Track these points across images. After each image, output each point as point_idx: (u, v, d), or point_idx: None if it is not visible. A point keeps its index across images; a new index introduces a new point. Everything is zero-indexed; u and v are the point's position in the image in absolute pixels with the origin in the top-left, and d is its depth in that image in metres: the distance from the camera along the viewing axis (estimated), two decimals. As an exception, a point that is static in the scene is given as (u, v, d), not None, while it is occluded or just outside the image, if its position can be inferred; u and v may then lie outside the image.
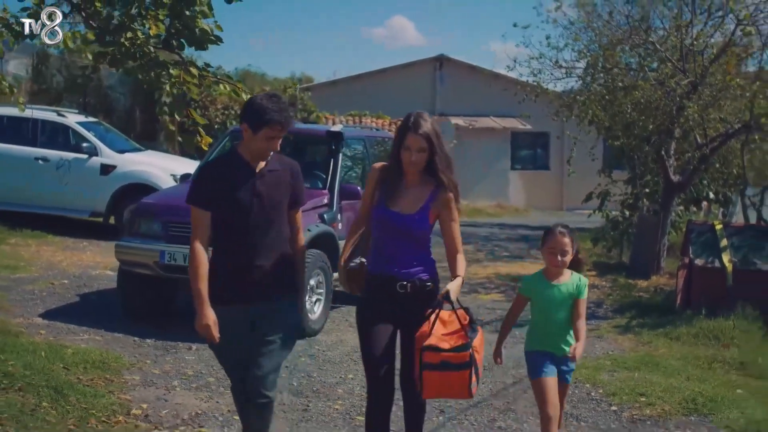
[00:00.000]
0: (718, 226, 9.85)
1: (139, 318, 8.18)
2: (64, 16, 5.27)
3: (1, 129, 13.47)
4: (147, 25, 5.01)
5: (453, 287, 4.20)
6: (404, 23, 77.25)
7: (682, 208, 14.51)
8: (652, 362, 7.49)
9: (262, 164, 4.27)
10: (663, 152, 12.36)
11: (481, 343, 4.27)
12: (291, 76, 31.91)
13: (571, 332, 4.59)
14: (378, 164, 4.52)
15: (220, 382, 6.38)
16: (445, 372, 4.07)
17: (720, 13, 11.86)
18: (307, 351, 7.49)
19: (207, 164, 4.43)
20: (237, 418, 5.75)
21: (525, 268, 12.41)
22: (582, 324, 4.59)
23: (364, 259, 4.45)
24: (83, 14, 5.15)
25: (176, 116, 5.27)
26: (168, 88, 5.07)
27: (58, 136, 13.73)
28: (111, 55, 5.11)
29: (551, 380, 4.54)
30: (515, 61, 17.43)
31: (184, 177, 9.82)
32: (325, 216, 8.39)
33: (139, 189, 12.41)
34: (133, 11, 5.08)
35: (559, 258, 4.54)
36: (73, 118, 13.96)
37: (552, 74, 13.76)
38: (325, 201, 8.51)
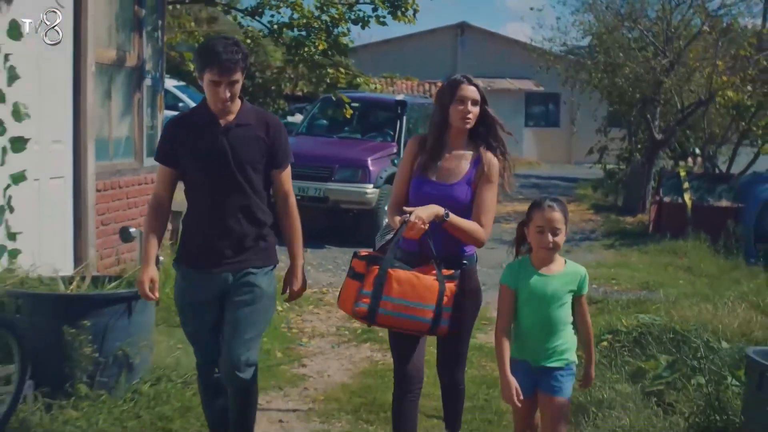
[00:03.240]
0: (683, 173, 13.16)
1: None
2: (264, 37, 8.51)
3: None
4: (316, 43, 8.26)
5: (421, 209, 3.77)
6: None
7: (672, 162, 17.65)
8: (625, 264, 10.84)
9: (231, 117, 3.80)
10: (648, 116, 15.55)
11: (405, 279, 3.74)
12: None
13: (563, 339, 3.75)
14: (416, 136, 4.14)
15: (337, 267, 9.76)
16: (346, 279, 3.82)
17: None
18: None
19: (173, 118, 4.09)
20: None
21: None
22: (590, 330, 3.89)
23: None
24: (274, 35, 8.46)
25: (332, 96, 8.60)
26: (327, 80, 8.45)
27: (156, 96, 17.00)
28: (295, 62, 8.44)
29: (523, 401, 3.71)
30: (531, 40, 20.59)
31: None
32: (395, 161, 11.66)
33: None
34: (304, 33, 8.39)
35: (550, 237, 3.72)
36: (169, 83, 17.15)
37: (560, 51, 16.99)
38: (395, 150, 11.78)
